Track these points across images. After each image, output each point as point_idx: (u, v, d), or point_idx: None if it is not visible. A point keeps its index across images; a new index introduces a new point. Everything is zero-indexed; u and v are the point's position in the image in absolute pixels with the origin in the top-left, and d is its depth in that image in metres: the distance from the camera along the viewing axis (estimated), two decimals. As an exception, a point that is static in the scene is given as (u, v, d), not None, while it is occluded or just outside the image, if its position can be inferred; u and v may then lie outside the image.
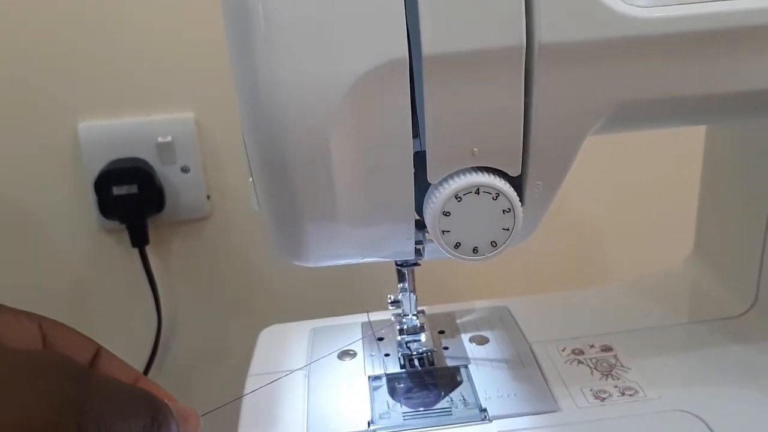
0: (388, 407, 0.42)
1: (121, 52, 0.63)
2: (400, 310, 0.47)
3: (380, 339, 0.49)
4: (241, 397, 0.43)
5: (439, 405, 0.42)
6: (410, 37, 0.28)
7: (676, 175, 0.72)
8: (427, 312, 0.52)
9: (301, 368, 0.46)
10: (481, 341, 0.48)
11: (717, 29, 0.29)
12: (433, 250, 0.35)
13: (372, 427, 0.40)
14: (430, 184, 0.32)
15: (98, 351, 0.31)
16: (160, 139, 0.65)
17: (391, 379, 0.44)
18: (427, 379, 0.44)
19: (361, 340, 0.49)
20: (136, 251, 0.68)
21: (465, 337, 0.49)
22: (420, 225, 0.34)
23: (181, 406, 0.30)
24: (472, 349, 0.47)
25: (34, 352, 0.27)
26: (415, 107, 0.30)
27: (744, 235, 0.49)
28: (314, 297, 0.73)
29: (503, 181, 0.31)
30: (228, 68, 0.29)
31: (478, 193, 0.30)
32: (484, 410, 0.41)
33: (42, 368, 0.24)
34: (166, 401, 0.28)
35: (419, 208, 0.33)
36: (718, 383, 0.42)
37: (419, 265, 0.43)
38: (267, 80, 0.28)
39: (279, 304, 0.74)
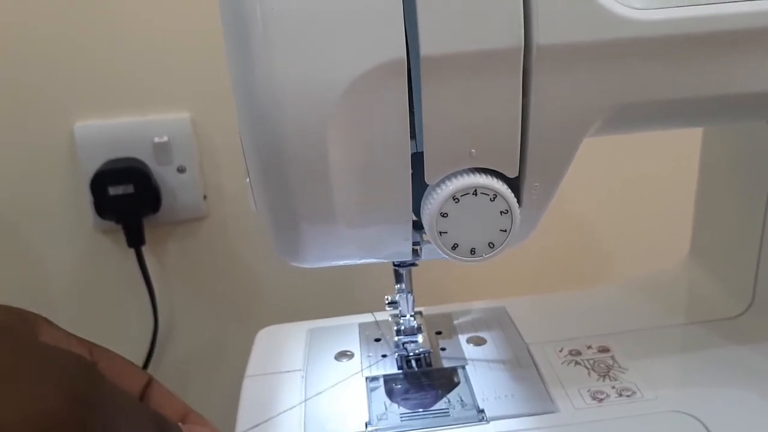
0: (386, 408, 0.42)
1: (118, 52, 0.63)
2: (397, 311, 0.46)
3: (377, 340, 0.49)
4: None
5: (436, 406, 0.42)
6: (408, 38, 0.28)
7: (672, 176, 0.72)
8: (424, 313, 0.52)
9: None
10: (479, 342, 0.48)
11: (714, 31, 0.29)
12: (431, 250, 0.35)
13: (369, 429, 0.40)
14: (427, 185, 0.31)
15: (150, 381, 0.31)
16: (156, 140, 0.65)
17: (389, 380, 0.44)
18: (424, 380, 0.44)
19: (358, 342, 0.49)
20: (132, 251, 0.67)
21: (462, 338, 0.49)
22: (417, 226, 0.33)
23: None
24: (469, 350, 0.47)
25: (51, 347, 0.27)
26: (413, 108, 0.29)
27: (740, 236, 0.49)
28: (311, 297, 0.73)
29: (501, 183, 0.31)
30: (225, 68, 0.29)
31: (476, 195, 0.30)
32: (482, 411, 0.41)
33: (57, 363, 0.24)
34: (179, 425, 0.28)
35: (416, 209, 0.33)
36: (715, 384, 0.42)
37: (416, 265, 0.43)
38: (264, 80, 0.28)
39: (276, 305, 0.74)
